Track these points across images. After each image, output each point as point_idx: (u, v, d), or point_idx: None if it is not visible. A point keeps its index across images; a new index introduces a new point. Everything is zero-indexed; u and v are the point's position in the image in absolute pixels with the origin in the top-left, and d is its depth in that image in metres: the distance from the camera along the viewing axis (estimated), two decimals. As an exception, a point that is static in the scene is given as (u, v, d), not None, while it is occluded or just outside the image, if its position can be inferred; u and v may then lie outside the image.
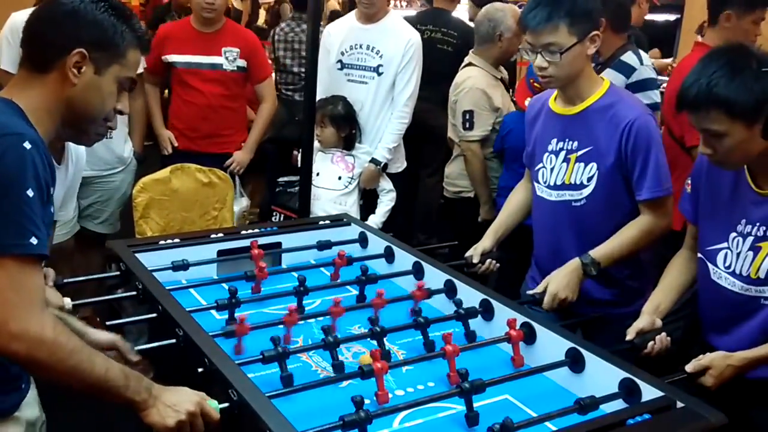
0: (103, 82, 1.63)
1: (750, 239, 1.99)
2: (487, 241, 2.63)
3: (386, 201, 3.85)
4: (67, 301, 2.08)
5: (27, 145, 1.46)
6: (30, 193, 1.45)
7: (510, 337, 2.00)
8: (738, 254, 2.01)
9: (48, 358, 1.44)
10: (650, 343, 2.06)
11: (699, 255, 2.14)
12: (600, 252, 2.28)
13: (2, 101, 1.58)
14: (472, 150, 3.81)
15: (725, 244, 2.04)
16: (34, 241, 1.44)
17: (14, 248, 1.43)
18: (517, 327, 2.06)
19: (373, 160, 3.78)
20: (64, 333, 1.47)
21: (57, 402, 1.76)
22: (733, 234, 2.02)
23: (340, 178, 3.78)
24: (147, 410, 1.53)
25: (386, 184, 3.86)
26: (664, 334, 2.07)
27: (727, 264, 2.03)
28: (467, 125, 3.77)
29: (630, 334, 2.08)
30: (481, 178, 3.84)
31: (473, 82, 3.81)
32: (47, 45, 1.60)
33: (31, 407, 1.81)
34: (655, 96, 3.50)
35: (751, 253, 1.99)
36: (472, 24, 4.42)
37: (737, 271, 2.01)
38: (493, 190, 3.89)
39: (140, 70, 3.75)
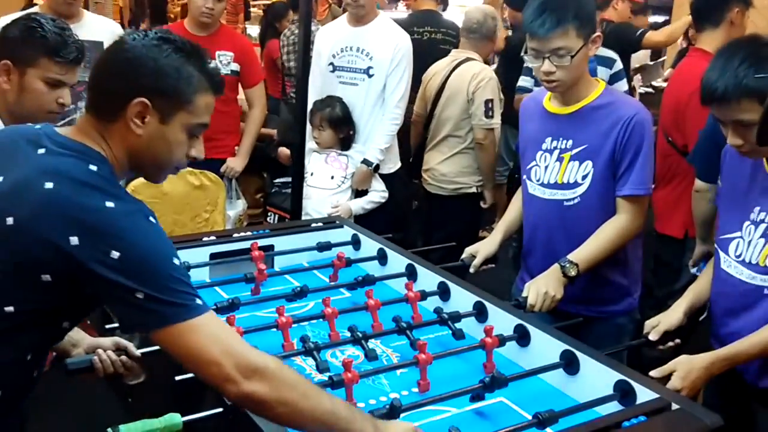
0: (169, 131, 1.52)
1: (763, 226, 1.98)
2: (498, 235, 2.63)
3: (375, 194, 3.83)
4: None
5: (151, 219, 1.42)
6: (176, 261, 1.41)
7: (485, 344, 1.97)
8: (749, 242, 2.00)
9: (283, 390, 1.40)
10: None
11: (715, 245, 2.14)
12: (578, 255, 2.28)
13: (99, 159, 1.48)
14: (491, 138, 4.03)
15: (738, 233, 2.03)
16: (199, 302, 1.42)
17: (188, 313, 1.39)
18: (512, 329, 2.06)
19: (365, 161, 3.77)
20: (285, 365, 1.46)
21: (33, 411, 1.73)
22: (747, 222, 2.01)
23: (332, 177, 3.78)
24: None
25: (378, 185, 3.85)
26: (678, 341, 2.08)
27: (738, 253, 2.03)
28: (490, 113, 3.97)
29: (655, 334, 2.09)
30: (495, 164, 4.14)
31: (490, 73, 4.06)
32: (109, 94, 1.50)
33: None
34: (624, 85, 3.89)
35: (762, 241, 1.98)
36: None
37: (747, 260, 2.00)
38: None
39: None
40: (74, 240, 1.35)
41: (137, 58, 1.49)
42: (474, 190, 4.14)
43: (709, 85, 1.90)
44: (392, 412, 1.62)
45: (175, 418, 1.54)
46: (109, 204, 1.38)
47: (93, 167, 1.44)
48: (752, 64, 1.84)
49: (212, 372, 1.37)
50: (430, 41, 4.79)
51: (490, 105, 3.95)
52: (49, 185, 1.38)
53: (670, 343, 2.07)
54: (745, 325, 1.98)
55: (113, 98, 1.49)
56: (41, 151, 1.47)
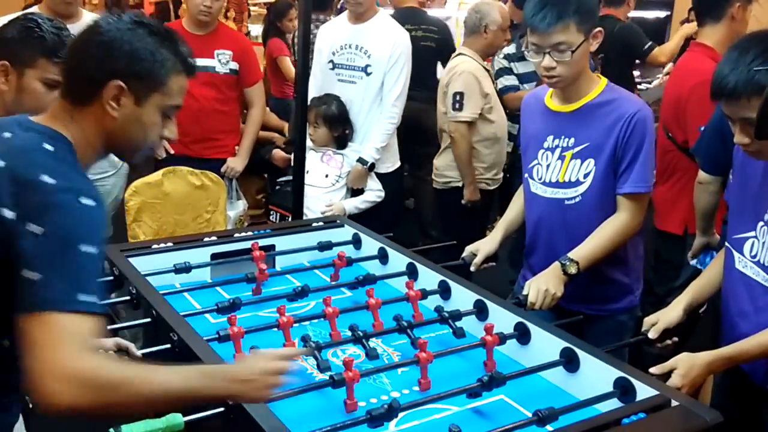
0: (144, 113, 1.55)
1: None
2: (498, 234, 2.62)
3: (370, 194, 3.82)
4: None
5: (84, 200, 1.41)
6: (84, 248, 1.38)
7: (485, 342, 1.98)
8: (764, 243, 1.97)
9: (106, 396, 1.34)
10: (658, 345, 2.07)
11: (726, 244, 2.11)
12: (578, 253, 2.28)
13: (60, 140, 1.50)
14: (461, 131, 3.97)
15: (753, 233, 2.00)
16: (83, 297, 1.36)
17: (62, 305, 1.33)
18: (512, 327, 2.07)
19: (360, 160, 3.77)
20: (116, 365, 1.41)
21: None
22: (761, 223, 1.98)
23: (327, 175, 3.77)
24: (236, 397, 1.50)
25: (374, 184, 3.84)
26: (676, 339, 2.07)
27: (753, 253, 2.00)
28: (457, 106, 3.93)
29: (654, 332, 2.07)
30: (468, 159, 4.02)
31: (465, 67, 3.99)
32: (85, 78, 1.53)
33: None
34: None
35: None
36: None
37: (762, 261, 1.97)
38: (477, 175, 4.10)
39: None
40: (7, 212, 1.37)
41: (112, 41, 1.52)
42: (460, 184, 4.12)
43: (720, 80, 1.85)
44: (390, 411, 1.62)
45: (177, 418, 1.54)
46: (49, 180, 1.39)
47: (48, 146, 1.47)
48: (766, 60, 1.79)
49: (34, 373, 1.31)
50: (413, 39, 4.79)
51: (458, 98, 3.92)
52: (1, 164, 1.42)
53: (668, 342, 2.07)
54: (758, 327, 1.94)
55: (89, 82, 1.52)
56: (7, 135, 1.50)
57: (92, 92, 1.52)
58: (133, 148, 1.61)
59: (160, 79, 1.55)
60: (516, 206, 2.65)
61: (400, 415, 1.68)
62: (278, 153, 4.72)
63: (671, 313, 2.10)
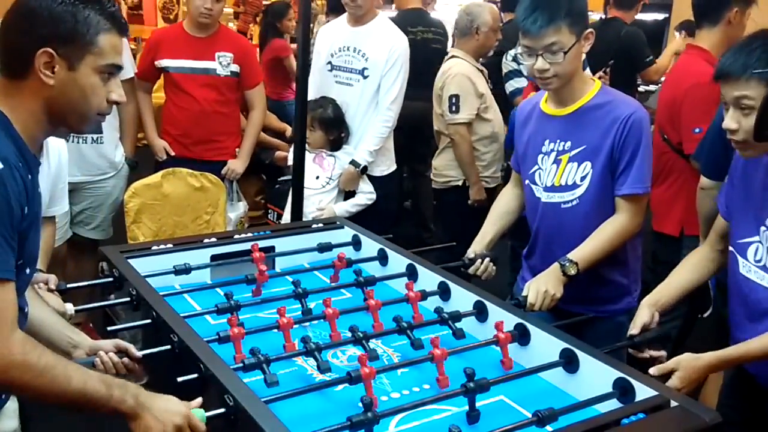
0: (79, 76, 1.54)
1: None
2: (476, 248, 2.59)
3: (361, 197, 3.81)
4: (69, 307, 2.07)
5: None
6: None
7: (498, 339, 1.99)
8: None
9: (19, 378, 1.40)
10: (648, 352, 2.06)
11: (730, 248, 2.12)
12: (577, 254, 2.28)
13: None
14: (460, 133, 4.02)
15: (756, 238, 2.02)
16: None
17: None
18: (512, 327, 2.07)
19: (353, 162, 3.76)
20: (35, 351, 1.44)
21: (38, 413, 1.75)
22: (763, 228, 1.99)
23: (317, 177, 3.77)
24: (134, 420, 1.53)
25: (366, 186, 3.82)
26: (663, 353, 2.07)
27: (757, 258, 2.01)
28: (453, 108, 3.98)
29: (634, 329, 2.08)
30: (470, 159, 4.07)
31: (459, 69, 4.04)
32: (14, 52, 1.54)
33: (9, 419, 1.79)
34: None
35: None
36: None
37: (767, 265, 1.99)
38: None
39: (130, 74, 3.78)
40: None
41: (32, 10, 1.52)
42: (460, 183, 4.15)
43: (722, 63, 1.92)
44: (373, 419, 1.60)
45: (200, 413, 1.60)
46: None
47: None
48: (767, 50, 1.86)
49: None
50: (423, 41, 4.86)
51: (454, 100, 3.97)
52: None
53: (654, 346, 2.07)
54: (766, 331, 1.94)
55: (19, 55, 1.53)
56: None
57: (25, 64, 1.52)
58: (79, 115, 1.59)
59: (88, 39, 1.54)
60: (491, 221, 2.64)
61: (402, 415, 1.69)
62: (281, 154, 4.74)
63: (640, 313, 2.13)
